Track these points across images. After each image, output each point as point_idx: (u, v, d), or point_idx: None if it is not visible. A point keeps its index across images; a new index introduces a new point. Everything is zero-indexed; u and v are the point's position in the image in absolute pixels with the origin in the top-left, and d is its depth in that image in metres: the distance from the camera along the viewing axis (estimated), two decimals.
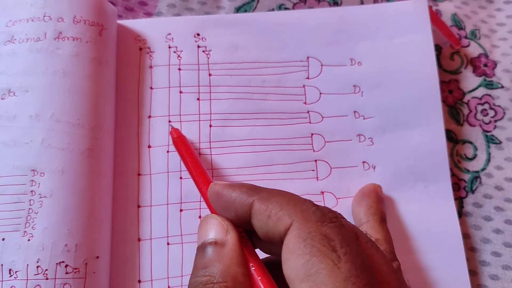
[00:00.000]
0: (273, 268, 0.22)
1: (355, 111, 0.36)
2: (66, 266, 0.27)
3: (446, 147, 0.35)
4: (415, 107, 0.36)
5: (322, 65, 0.36)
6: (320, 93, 0.36)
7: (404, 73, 0.36)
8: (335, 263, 0.18)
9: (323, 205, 0.21)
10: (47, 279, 0.27)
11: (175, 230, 0.32)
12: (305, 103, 0.35)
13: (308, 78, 0.36)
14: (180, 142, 0.31)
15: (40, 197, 0.28)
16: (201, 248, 0.22)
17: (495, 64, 0.40)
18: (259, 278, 0.21)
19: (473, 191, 0.36)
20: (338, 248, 0.19)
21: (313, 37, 0.37)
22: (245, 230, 0.23)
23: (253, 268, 0.21)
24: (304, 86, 0.36)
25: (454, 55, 0.40)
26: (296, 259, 0.19)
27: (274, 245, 0.21)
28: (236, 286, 0.20)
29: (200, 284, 0.20)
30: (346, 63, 0.37)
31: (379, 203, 0.32)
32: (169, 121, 0.34)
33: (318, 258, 0.18)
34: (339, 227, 0.20)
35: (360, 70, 0.36)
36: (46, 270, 0.27)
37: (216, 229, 0.22)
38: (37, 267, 0.27)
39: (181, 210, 0.32)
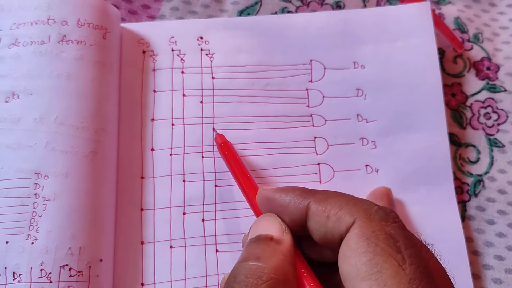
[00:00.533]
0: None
1: (358, 114, 0.36)
2: (70, 269, 0.27)
3: (449, 150, 0.35)
4: (418, 111, 0.36)
5: (325, 68, 0.36)
6: (323, 96, 0.36)
7: (407, 76, 0.36)
8: (399, 264, 0.18)
9: (383, 205, 0.21)
10: (50, 282, 0.27)
11: (178, 233, 0.32)
12: (308, 106, 0.35)
13: (311, 81, 0.36)
14: (225, 148, 0.31)
15: (44, 200, 0.28)
16: (256, 240, 0.22)
17: (498, 67, 0.39)
18: (311, 284, 0.20)
19: (476, 195, 0.36)
20: (402, 250, 0.18)
21: (316, 41, 0.37)
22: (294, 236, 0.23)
23: (305, 274, 0.21)
24: (307, 89, 0.36)
25: (457, 58, 0.40)
26: (358, 256, 0.18)
27: (329, 248, 0.21)
28: (286, 283, 0.20)
29: (249, 270, 0.20)
30: (349, 66, 0.37)
31: (392, 207, 0.32)
32: (213, 129, 0.34)
33: (382, 258, 0.18)
34: (402, 227, 0.19)
35: (363, 73, 0.36)
36: (50, 273, 0.27)
37: (273, 227, 0.22)
38: (41, 270, 0.27)
39: (184, 213, 0.32)
